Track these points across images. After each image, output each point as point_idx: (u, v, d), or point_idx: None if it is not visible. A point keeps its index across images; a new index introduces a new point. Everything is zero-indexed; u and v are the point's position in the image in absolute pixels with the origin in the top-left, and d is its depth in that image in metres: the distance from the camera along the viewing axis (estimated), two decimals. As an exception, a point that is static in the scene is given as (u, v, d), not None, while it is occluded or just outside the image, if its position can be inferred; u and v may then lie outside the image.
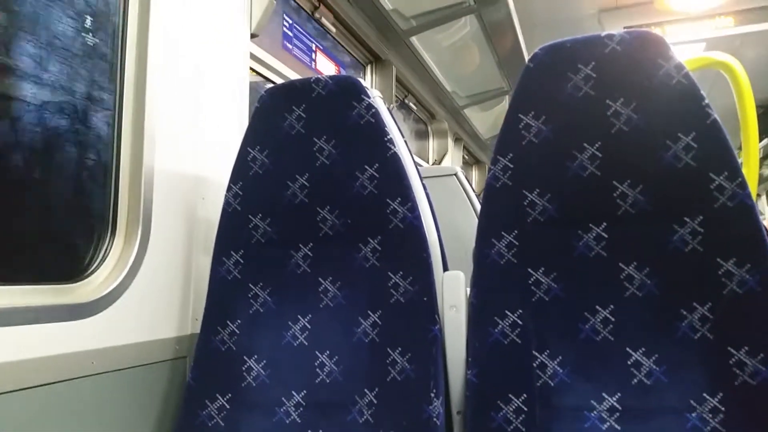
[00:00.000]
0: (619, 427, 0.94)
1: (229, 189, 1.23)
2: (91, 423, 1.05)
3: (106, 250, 1.18)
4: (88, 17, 1.23)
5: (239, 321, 1.18)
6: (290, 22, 2.29)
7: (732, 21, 4.50)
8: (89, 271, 1.15)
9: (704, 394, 0.92)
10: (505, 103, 3.98)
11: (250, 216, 1.21)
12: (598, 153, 1.03)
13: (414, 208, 1.12)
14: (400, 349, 1.07)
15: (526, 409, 0.99)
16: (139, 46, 1.25)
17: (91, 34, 1.23)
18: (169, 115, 1.27)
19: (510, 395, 1.00)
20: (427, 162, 4.18)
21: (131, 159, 1.22)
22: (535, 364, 1.01)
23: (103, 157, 1.23)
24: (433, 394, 1.02)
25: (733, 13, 4.50)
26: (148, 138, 1.22)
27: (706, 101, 0.98)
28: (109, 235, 1.20)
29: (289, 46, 2.29)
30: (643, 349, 0.97)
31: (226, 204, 1.23)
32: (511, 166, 1.07)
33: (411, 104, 3.70)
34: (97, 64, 1.23)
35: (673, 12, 4.53)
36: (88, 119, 1.22)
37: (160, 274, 1.22)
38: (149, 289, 1.18)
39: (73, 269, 1.15)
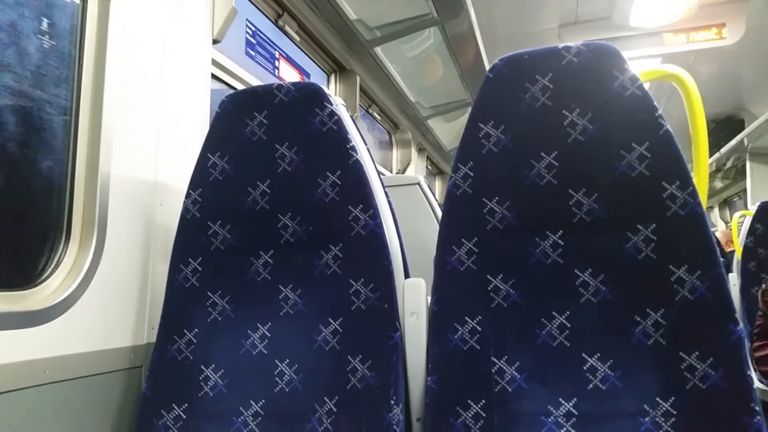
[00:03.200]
0: None
1: (188, 195, 1.21)
2: None
3: (60, 256, 1.15)
4: (45, 19, 1.20)
5: (197, 330, 1.16)
6: (253, 29, 2.28)
7: (687, 37, 4.66)
8: (42, 278, 1.12)
9: (657, 399, 0.94)
10: (467, 115, 4.00)
11: (209, 223, 1.20)
12: (554, 162, 1.05)
13: (376, 216, 1.12)
14: (360, 356, 1.07)
15: (484, 414, 0.99)
16: (97, 49, 1.23)
17: (47, 36, 1.20)
18: (127, 120, 1.25)
19: (469, 401, 1.01)
20: (391, 172, 4.19)
21: (87, 164, 1.20)
22: (493, 370, 1.02)
23: (58, 161, 1.20)
24: (393, 401, 1.02)
25: (687, 30, 4.65)
26: (105, 143, 1.19)
27: (659, 112, 1.01)
28: (63, 241, 1.17)
29: (252, 53, 2.27)
30: (599, 354, 0.98)
31: (185, 210, 1.21)
32: (472, 174, 1.09)
33: (375, 114, 3.72)
34: (52, 66, 1.21)
35: (630, 27, 4.66)
36: (44, 123, 1.19)
37: (115, 282, 1.19)
38: (104, 297, 1.16)
39: (26, 276, 1.12)
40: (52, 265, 1.14)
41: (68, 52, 1.22)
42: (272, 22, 2.40)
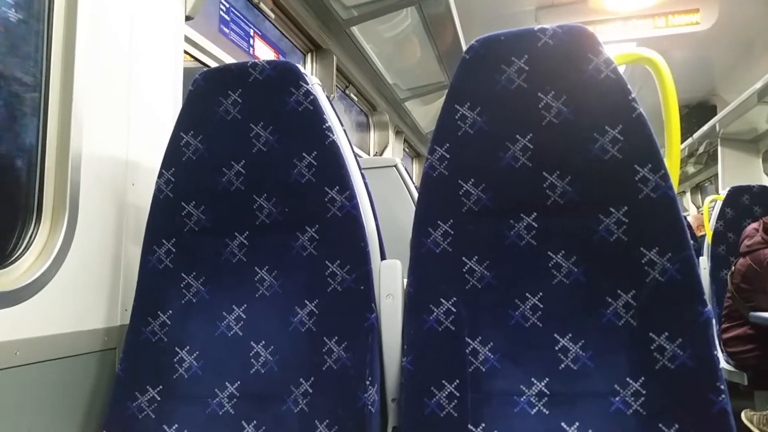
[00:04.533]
0: (547, 411, 0.97)
1: (160, 175, 1.19)
2: (14, 416, 1.01)
3: (30, 236, 1.13)
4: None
5: (171, 311, 1.15)
6: (227, 5, 2.24)
7: (661, 22, 4.70)
8: (12, 259, 1.10)
9: (627, 378, 0.96)
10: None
11: (182, 203, 1.18)
12: (529, 144, 1.05)
13: (352, 197, 1.11)
14: (336, 337, 1.07)
15: (458, 394, 1.01)
16: (66, 26, 1.20)
17: (13, 9, 1.17)
18: (98, 98, 1.22)
19: (443, 381, 1.02)
20: (368, 154, 4.18)
21: (58, 142, 1.17)
22: (467, 351, 1.03)
23: (27, 140, 1.17)
24: (368, 382, 1.03)
25: (662, 15, 4.70)
26: (75, 121, 1.17)
27: (633, 95, 1.01)
28: (34, 220, 1.15)
29: (226, 30, 2.23)
30: (570, 335, 1.00)
31: (158, 190, 1.19)
32: (448, 156, 1.09)
33: (352, 95, 3.69)
34: (20, 41, 1.17)
35: (606, 11, 4.69)
36: (12, 100, 1.16)
37: (87, 263, 1.17)
38: (76, 278, 1.14)
39: (-5, 256, 1.09)
40: (23, 246, 1.12)
41: (36, 28, 1.19)
42: (247, -1, 2.36)
